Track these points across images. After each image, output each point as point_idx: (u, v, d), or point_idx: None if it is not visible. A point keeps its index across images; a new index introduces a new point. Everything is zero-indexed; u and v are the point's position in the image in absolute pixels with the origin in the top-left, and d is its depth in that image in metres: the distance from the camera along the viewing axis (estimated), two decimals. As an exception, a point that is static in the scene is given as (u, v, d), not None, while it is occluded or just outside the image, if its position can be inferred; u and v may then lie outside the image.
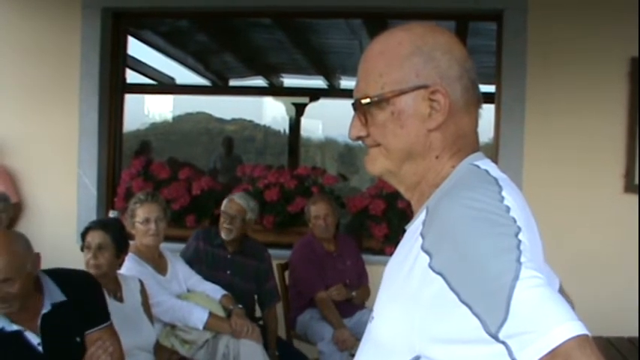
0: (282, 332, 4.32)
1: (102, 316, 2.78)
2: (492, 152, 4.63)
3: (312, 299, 4.21)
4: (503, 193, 1.05)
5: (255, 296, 4.24)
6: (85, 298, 2.72)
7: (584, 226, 4.45)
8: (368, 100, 1.16)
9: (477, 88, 1.19)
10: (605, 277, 4.33)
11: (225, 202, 4.17)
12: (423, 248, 1.01)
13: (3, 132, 5.11)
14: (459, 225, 0.99)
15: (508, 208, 1.02)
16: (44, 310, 2.55)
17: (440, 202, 1.07)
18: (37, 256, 2.58)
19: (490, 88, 4.74)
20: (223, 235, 4.09)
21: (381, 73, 1.15)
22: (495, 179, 1.09)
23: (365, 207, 4.82)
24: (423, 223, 1.06)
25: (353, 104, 1.20)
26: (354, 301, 4.31)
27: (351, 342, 3.92)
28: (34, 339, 2.52)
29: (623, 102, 4.41)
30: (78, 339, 2.65)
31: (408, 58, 1.14)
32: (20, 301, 2.47)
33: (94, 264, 3.12)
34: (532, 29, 4.50)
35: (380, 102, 1.15)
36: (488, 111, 4.70)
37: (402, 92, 1.14)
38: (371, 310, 1.19)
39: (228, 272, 4.07)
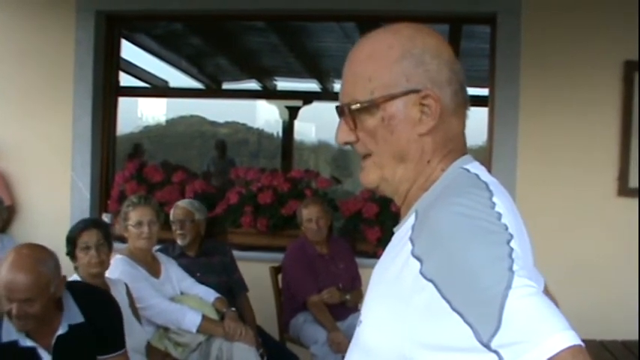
0: (275, 335, 4.31)
1: (117, 342, 2.74)
2: (486, 155, 4.63)
3: (305, 302, 4.20)
4: (494, 199, 1.03)
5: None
6: (104, 322, 2.68)
7: (577, 228, 4.45)
8: (358, 106, 1.13)
9: (465, 91, 1.17)
10: (599, 279, 4.33)
11: (171, 212, 4.24)
12: (413, 254, 0.99)
13: (-4, 135, 5.09)
14: (451, 232, 0.97)
15: (500, 215, 1.00)
16: (60, 331, 2.50)
17: (430, 207, 1.05)
18: (63, 279, 2.52)
19: (484, 91, 4.75)
20: (179, 241, 4.15)
21: (370, 78, 1.13)
22: (486, 184, 1.08)
23: (358, 210, 4.81)
24: (413, 228, 1.04)
25: (338, 108, 1.17)
26: (347, 304, 4.30)
27: (345, 345, 3.89)
28: (46, 357, 2.47)
29: (617, 105, 4.41)
30: None
31: (398, 62, 1.12)
32: (38, 320, 2.42)
33: (98, 262, 3.09)
34: (526, 32, 4.51)
35: (370, 107, 1.13)
36: (482, 113, 4.71)
37: (393, 97, 1.11)
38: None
39: (199, 274, 4.07)
